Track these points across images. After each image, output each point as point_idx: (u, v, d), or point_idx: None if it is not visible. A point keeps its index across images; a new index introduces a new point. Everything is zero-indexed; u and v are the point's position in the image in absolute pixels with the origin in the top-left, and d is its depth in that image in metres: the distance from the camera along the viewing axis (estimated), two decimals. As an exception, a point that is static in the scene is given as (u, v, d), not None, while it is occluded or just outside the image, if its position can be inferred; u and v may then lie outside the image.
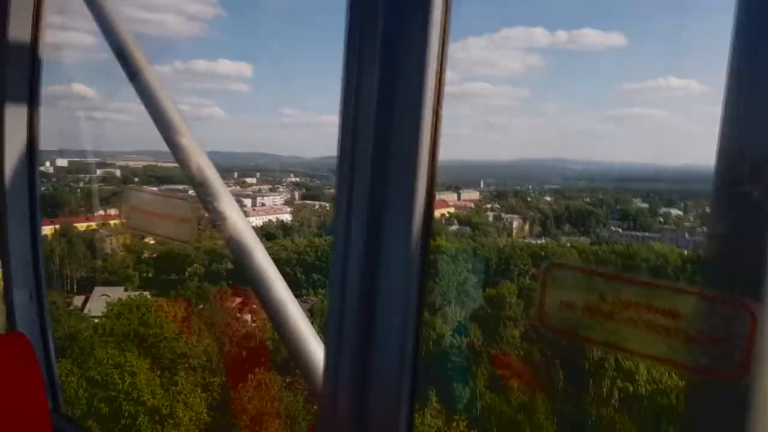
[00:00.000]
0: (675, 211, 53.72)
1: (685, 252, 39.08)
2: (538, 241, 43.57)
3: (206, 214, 2.26)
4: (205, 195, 2.28)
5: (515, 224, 51.14)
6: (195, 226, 2.24)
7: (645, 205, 55.76)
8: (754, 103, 0.69)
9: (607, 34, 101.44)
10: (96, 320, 23.66)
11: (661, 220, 52.36)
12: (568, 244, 40.52)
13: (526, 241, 43.61)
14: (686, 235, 46.56)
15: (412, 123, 1.33)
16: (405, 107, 1.34)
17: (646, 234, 47.82)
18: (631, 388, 20.91)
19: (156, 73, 2.61)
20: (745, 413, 0.79)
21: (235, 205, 2.33)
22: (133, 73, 2.57)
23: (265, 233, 37.90)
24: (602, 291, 0.81)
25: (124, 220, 2.62)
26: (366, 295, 1.32)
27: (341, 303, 1.40)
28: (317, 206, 49.28)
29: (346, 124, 1.47)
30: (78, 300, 27.45)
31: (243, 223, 2.32)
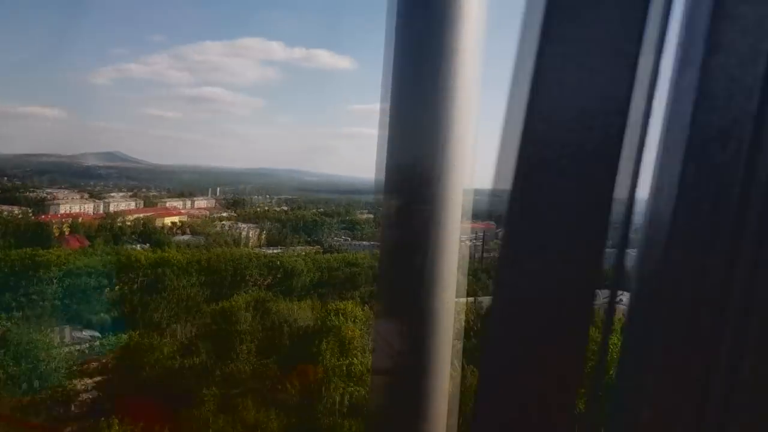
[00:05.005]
0: (398, 222, 58.96)
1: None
2: (273, 251, 43.60)
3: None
4: None
5: (251, 234, 50.44)
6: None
7: (370, 216, 60.19)
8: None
9: (338, 57, 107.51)
10: None
11: (385, 229, 56.96)
12: (303, 254, 41.54)
13: (261, 250, 43.22)
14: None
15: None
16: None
17: (373, 243, 51.43)
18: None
19: None
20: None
21: None
22: None
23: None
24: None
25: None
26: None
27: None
28: (17, 212, 41.91)
29: None
30: None
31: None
